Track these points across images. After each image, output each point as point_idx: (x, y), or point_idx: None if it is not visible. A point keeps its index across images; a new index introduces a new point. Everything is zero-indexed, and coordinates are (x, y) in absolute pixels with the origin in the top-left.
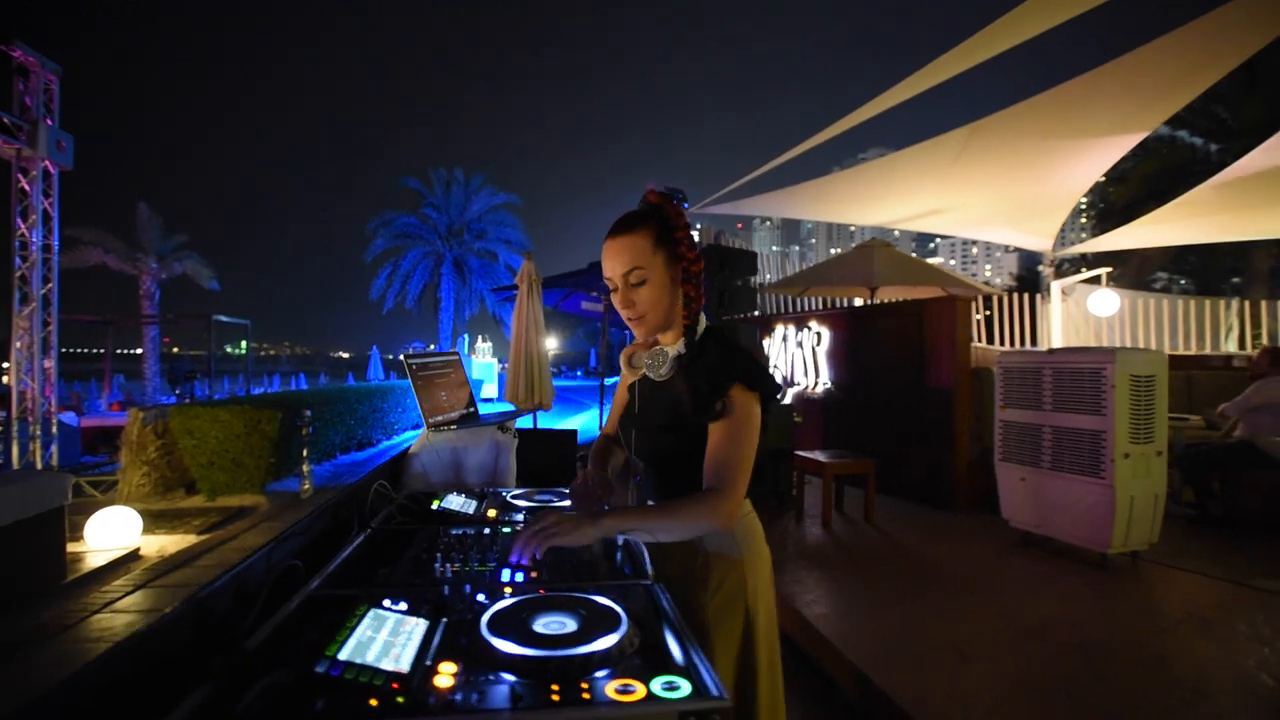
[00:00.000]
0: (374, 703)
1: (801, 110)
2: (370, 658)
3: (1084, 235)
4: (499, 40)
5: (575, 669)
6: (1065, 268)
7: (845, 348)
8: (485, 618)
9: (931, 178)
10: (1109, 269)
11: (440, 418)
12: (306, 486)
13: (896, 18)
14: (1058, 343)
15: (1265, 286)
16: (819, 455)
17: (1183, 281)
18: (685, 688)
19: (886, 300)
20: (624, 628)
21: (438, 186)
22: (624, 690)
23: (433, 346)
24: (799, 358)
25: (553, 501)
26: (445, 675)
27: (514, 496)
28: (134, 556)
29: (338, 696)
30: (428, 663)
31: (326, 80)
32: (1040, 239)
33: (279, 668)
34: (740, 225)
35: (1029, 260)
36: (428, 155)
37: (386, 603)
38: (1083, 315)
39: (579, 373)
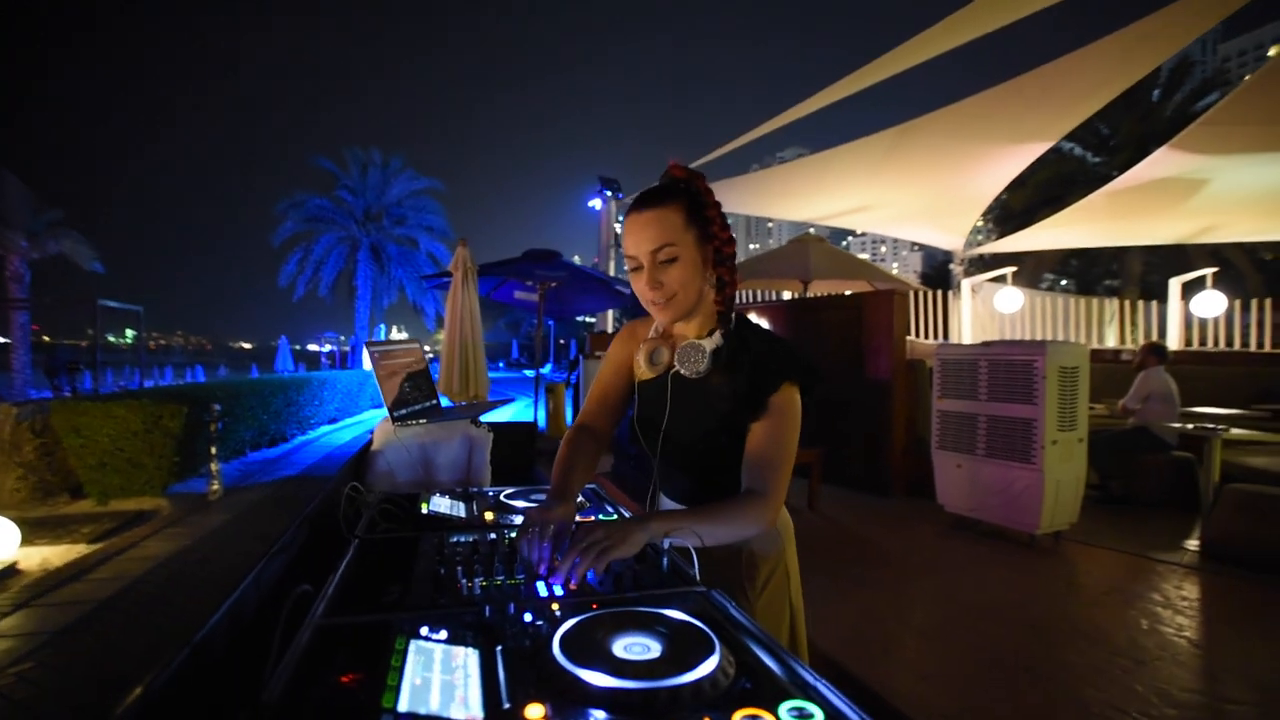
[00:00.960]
0: None
1: (728, 105)
2: (435, 706)
3: (980, 237)
4: (431, 18)
5: (687, 700)
6: (969, 267)
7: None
8: (556, 643)
9: (862, 175)
10: (1014, 269)
11: (405, 411)
12: (215, 487)
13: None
14: (968, 337)
15: (1138, 287)
16: None
17: (1064, 282)
18: (818, 715)
19: (818, 294)
20: (719, 647)
21: (353, 168)
22: None
23: (345, 338)
24: None
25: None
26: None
27: (507, 496)
28: (11, 571)
29: None
30: (506, 705)
31: (230, 48)
32: (953, 238)
33: None
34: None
35: (932, 259)
36: (345, 135)
37: (424, 631)
38: (988, 311)
39: (500, 364)
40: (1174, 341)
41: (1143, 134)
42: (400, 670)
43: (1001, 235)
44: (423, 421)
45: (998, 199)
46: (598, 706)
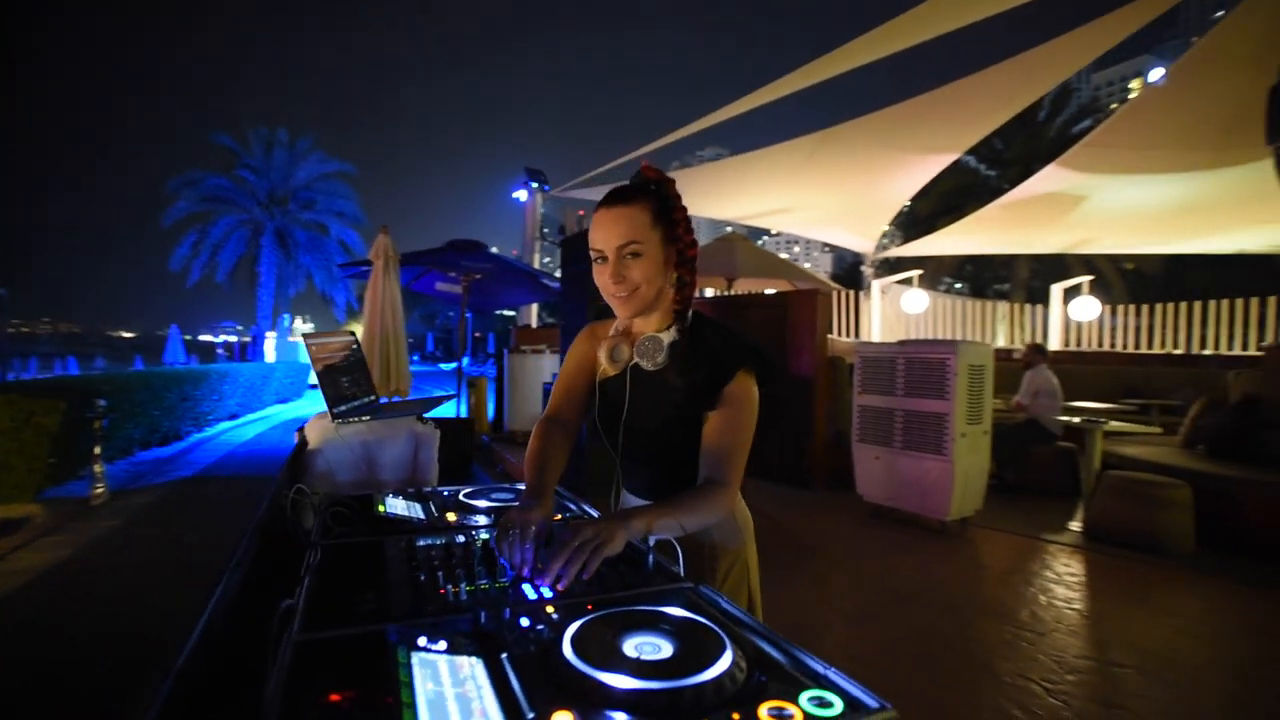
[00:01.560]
0: None
1: (653, 103)
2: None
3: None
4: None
5: (710, 697)
6: (878, 269)
7: None
8: (567, 647)
9: (786, 177)
10: (919, 272)
11: (344, 407)
12: (100, 490)
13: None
14: (877, 335)
15: (1024, 292)
16: None
17: (958, 286)
18: (837, 703)
19: (742, 292)
20: (729, 643)
21: (256, 146)
22: (780, 714)
23: (245, 328)
24: None
25: (515, 500)
26: None
27: (467, 495)
28: None
29: None
30: (530, 715)
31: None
32: (865, 241)
33: None
34: (581, 212)
35: (842, 260)
36: (251, 115)
37: (422, 642)
38: (895, 311)
39: (415, 357)
40: (1055, 342)
41: (1030, 152)
42: (410, 686)
43: (906, 240)
44: (366, 418)
45: (905, 205)
46: (623, 709)
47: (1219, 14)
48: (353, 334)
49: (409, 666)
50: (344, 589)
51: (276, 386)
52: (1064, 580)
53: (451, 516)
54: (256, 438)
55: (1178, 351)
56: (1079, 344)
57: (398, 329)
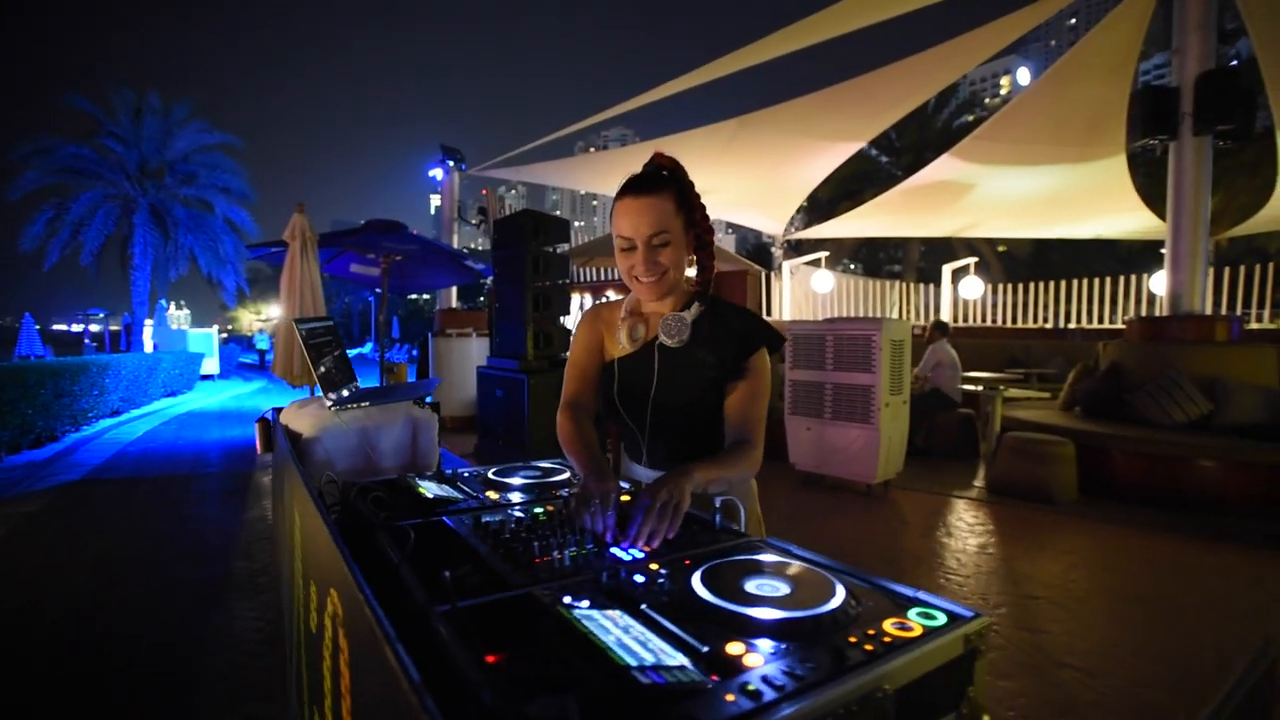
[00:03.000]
0: (733, 697)
1: (564, 84)
2: (649, 659)
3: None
4: None
5: (842, 620)
6: (786, 251)
7: None
8: (703, 591)
9: (707, 160)
10: (826, 253)
11: (335, 395)
12: None
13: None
14: (788, 314)
15: (915, 272)
16: None
17: (853, 267)
18: (940, 616)
19: None
20: (834, 575)
21: (123, 113)
22: (904, 628)
23: (111, 315)
24: None
25: (553, 475)
26: (749, 655)
27: (496, 474)
28: None
29: (695, 703)
30: (704, 649)
31: None
32: (776, 223)
33: (558, 690)
34: (485, 191)
35: (745, 242)
36: (120, 77)
37: (567, 600)
38: (804, 291)
39: None
40: (945, 318)
41: (920, 142)
42: (593, 635)
43: (809, 223)
44: (365, 404)
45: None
46: (771, 636)
47: (1071, 20)
48: (333, 320)
49: (579, 620)
50: (434, 565)
51: (164, 379)
52: (977, 530)
53: (493, 495)
54: (148, 435)
55: (1048, 326)
56: (966, 320)
57: (319, 313)
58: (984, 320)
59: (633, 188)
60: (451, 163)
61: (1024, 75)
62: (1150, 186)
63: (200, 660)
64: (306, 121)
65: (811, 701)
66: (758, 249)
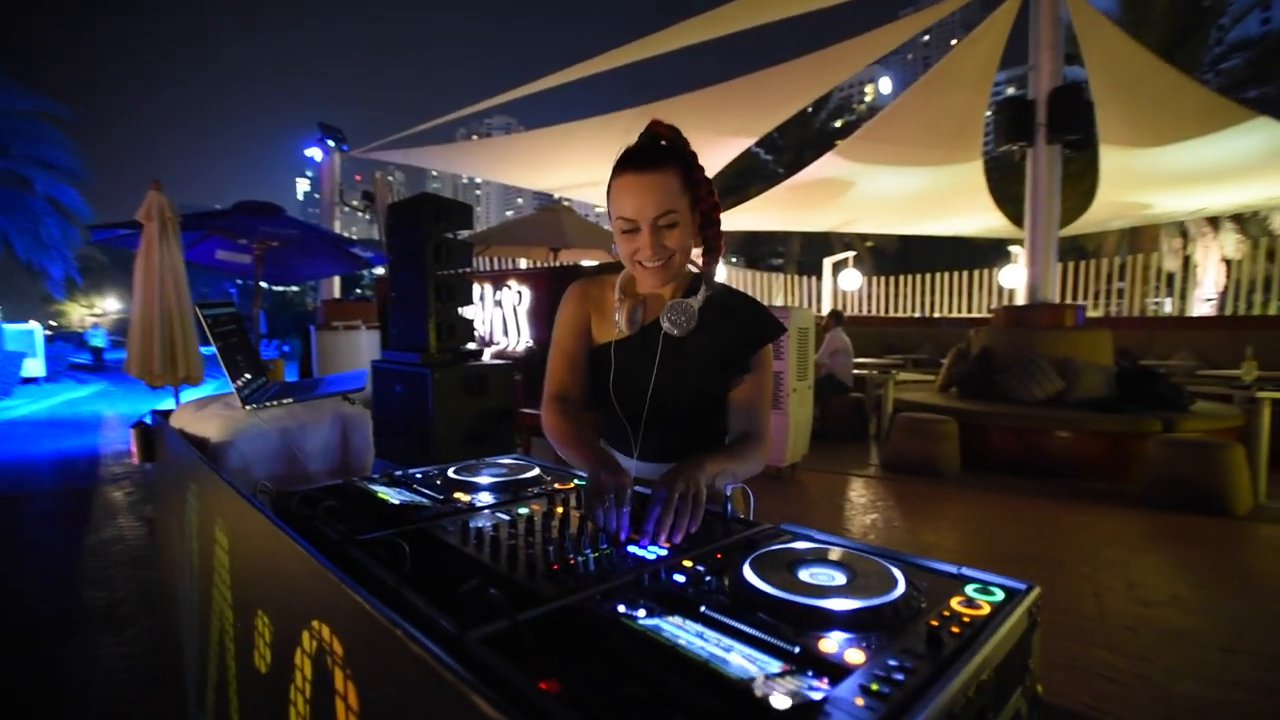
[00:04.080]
0: (862, 701)
1: (445, 69)
2: (752, 667)
3: None
4: None
5: (917, 605)
6: None
7: (549, 307)
8: (765, 586)
9: (603, 149)
10: None
11: (249, 391)
12: None
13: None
14: None
15: (796, 266)
16: None
17: (734, 260)
18: (998, 591)
19: (565, 263)
20: (885, 562)
21: None
22: (973, 606)
23: None
24: (499, 317)
25: (521, 471)
26: (848, 652)
27: (457, 472)
28: None
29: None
30: (796, 649)
31: None
32: None
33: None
34: (359, 177)
35: None
36: None
37: (622, 609)
38: None
39: None
40: (826, 308)
41: (800, 141)
42: (680, 647)
43: None
44: (288, 401)
45: None
46: (854, 627)
47: (925, 37)
48: (234, 304)
49: (651, 631)
50: (433, 582)
51: None
52: (879, 506)
53: (462, 497)
54: None
55: (918, 315)
56: (845, 310)
57: (183, 304)
58: (860, 310)
59: (633, 162)
60: (332, 142)
61: (886, 84)
62: (1000, 189)
63: (65, 708)
64: (151, 95)
65: (940, 697)
66: None
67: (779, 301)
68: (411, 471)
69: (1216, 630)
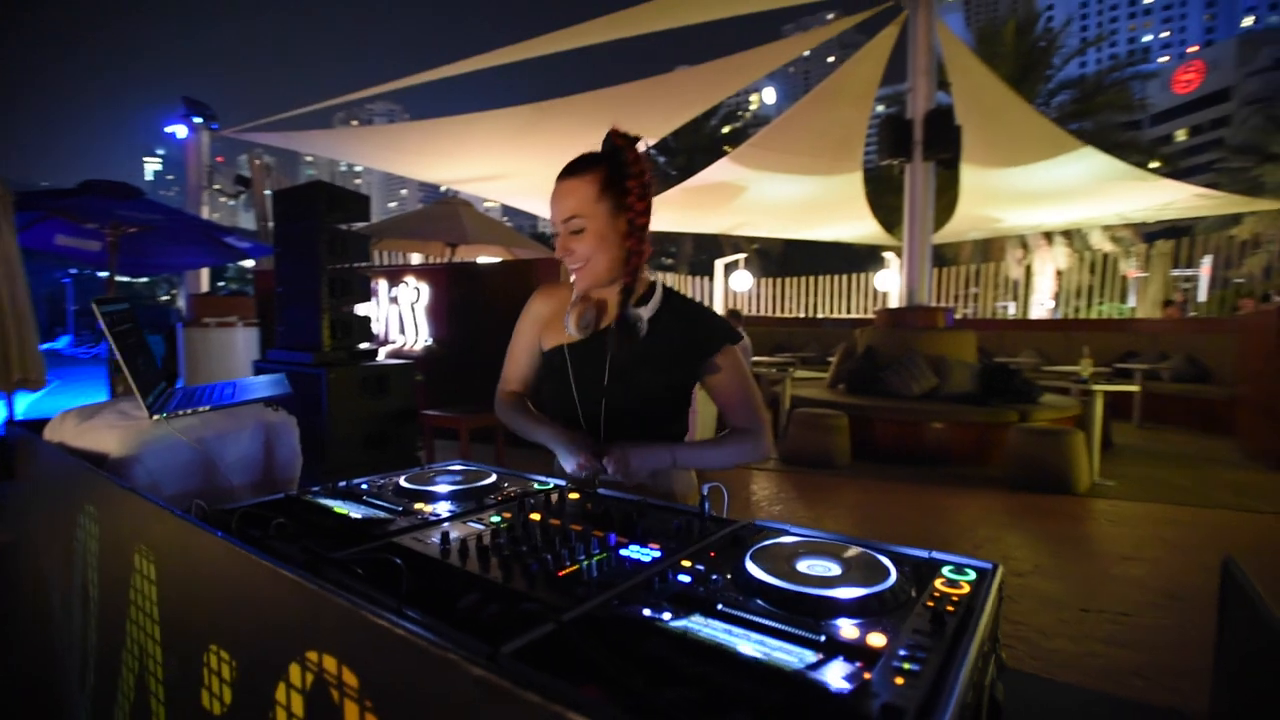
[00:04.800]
0: (902, 680)
1: (315, 46)
2: (796, 661)
3: None
4: None
5: (909, 589)
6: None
7: (450, 305)
8: (774, 580)
9: (500, 143)
10: None
11: (152, 397)
12: None
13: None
14: None
15: (688, 266)
16: (451, 413)
17: None
18: (970, 571)
19: (462, 260)
20: (870, 550)
21: None
22: (955, 586)
23: None
24: (394, 314)
25: (479, 479)
26: (869, 636)
27: (410, 481)
28: None
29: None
30: (821, 638)
31: None
32: None
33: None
34: (220, 159)
35: (520, 230)
36: None
37: (647, 613)
38: None
39: None
40: (719, 308)
41: (691, 145)
42: (724, 645)
43: None
44: (204, 409)
45: None
46: (863, 614)
47: (806, 52)
48: (125, 300)
49: (690, 632)
50: (429, 601)
51: None
52: (782, 497)
53: (422, 507)
54: None
55: (803, 315)
56: (737, 309)
57: (17, 297)
58: (749, 310)
59: (563, 170)
60: (199, 119)
61: (770, 94)
62: (875, 199)
63: None
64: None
65: (964, 670)
66: (535, 239)
67: None
68: (356, 482)
69: (1074, 593)
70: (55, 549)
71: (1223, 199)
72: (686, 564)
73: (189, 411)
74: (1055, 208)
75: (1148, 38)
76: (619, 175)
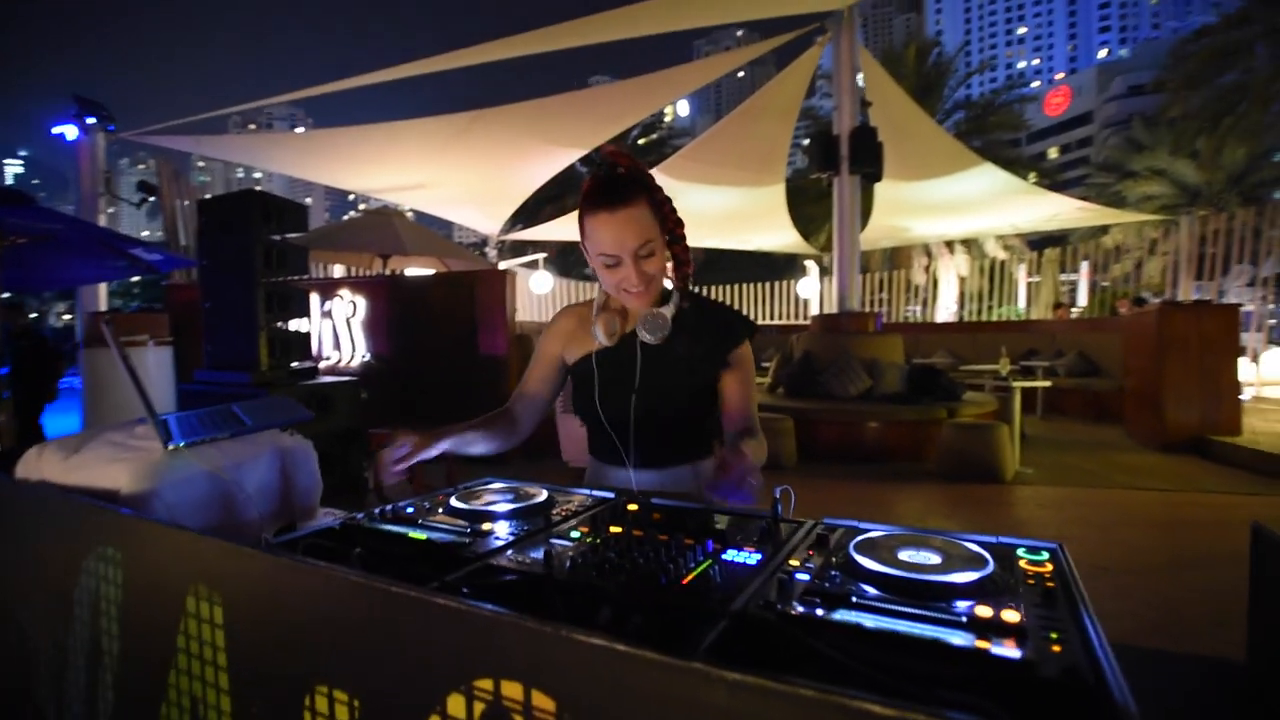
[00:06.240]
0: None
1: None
2: (960, 641)
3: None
4: None
5: (1006, 570)
6: (501, 251)
7: (389, 319)
8: (891, 570)
9: (430, 151)
10: (545, 255)
11: (173, 426)
12: None
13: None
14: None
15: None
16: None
17: (549, 268)
18: (1043, 551)
19: (395, 271)
20: (970, 542)
21: None
22: (1039, 564)
23: None
24: (328, 329)
25: (531, 498)
26: (1005, 612)
27: (460, 498)
28: None
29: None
30: (964, 620)
31: None
32: (494, 223)
33: None
34: (164, 165)
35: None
36: None
37: (800, 609)
38: (524, 289)
39: None
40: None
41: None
42: (893, 631)
43: (514, 226)
44: (224, 436)
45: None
46: (979, 596)
47: (739, 72)
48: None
49: (858, 624)
50: (571, 613)
51: None
52: None
53: (490, 527)
54: None
55: None
56: None
57: None
58: None
59: (605, 199)
60: (93, 119)
61: (684, 107)
62: (794, 209)
63: None
64: None
65: (1104, 636)
66: (471, 247)
67: None
68: (401, 505)
69: None
70: (40, 600)
71: (1100, 211)
72: (795, 563)
73: (207, 440)
74: (958, 218)
75: (1021, 64)
76: (655, 195)
